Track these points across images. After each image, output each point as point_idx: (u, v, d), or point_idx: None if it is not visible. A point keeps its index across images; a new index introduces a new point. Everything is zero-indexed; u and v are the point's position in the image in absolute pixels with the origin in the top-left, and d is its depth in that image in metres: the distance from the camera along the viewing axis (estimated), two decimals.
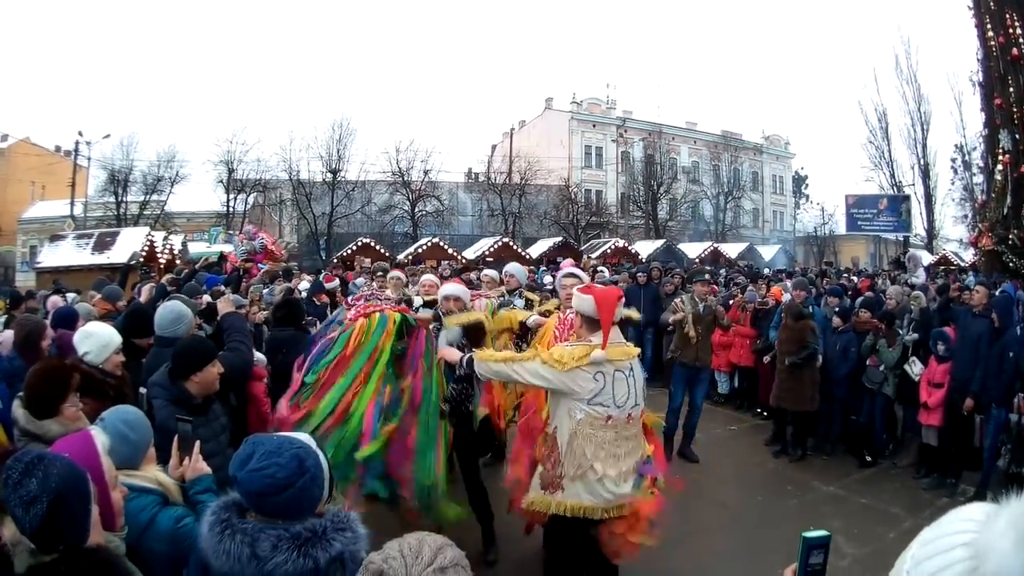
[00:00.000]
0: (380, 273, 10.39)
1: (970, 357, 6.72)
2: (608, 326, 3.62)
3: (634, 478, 3.70)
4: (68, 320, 5.82)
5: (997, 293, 8.72)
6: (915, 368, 7.27)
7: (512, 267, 7.44)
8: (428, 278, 7.65)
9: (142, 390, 3.35)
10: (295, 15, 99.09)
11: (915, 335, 7.55)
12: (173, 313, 4.40)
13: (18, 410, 2.90)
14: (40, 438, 2.76)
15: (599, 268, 16.45)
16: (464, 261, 25.62)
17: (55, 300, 8.43)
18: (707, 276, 8.51)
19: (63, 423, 2.83)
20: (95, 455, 2.06)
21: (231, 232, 32.73)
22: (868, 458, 7.55)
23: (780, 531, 5.43)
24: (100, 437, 2.15)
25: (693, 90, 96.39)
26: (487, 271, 9.28)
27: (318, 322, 7.83)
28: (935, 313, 8.15)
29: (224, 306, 4.81)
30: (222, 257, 19.08)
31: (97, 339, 3.85)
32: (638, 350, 3.88)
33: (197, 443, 2.74)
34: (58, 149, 39.15)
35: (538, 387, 3.88)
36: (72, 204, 31.24)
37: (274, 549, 1.82)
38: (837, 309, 8.04)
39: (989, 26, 11.26)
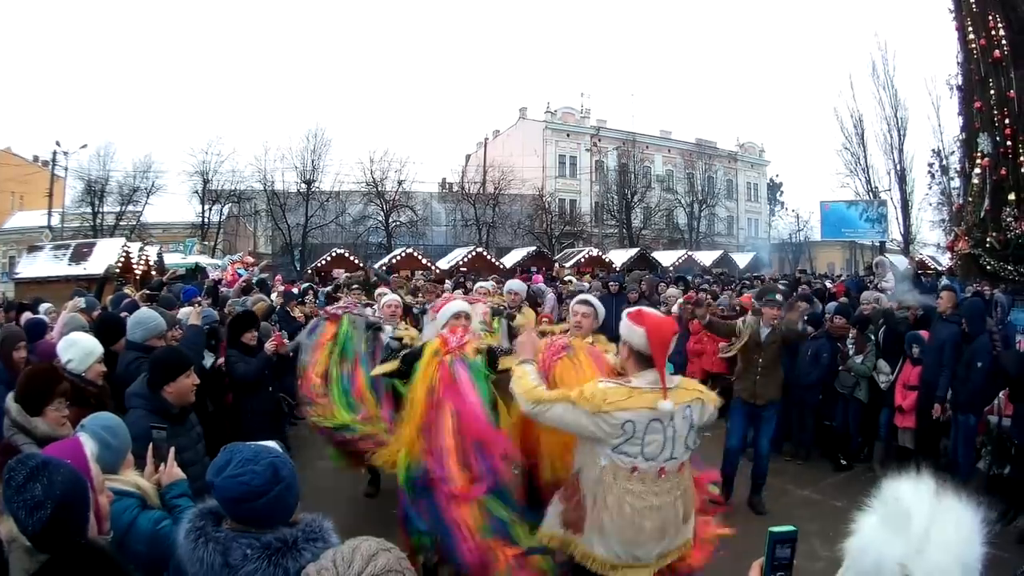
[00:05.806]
0: (355, 287, 10.37)
1: (936, 361, 6.77)
2: (663, 367, 3.07)
3: (665, 540, 3.20)
4: (36, 331, 5.86)
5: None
6: (881, 376, 7.39)
7: (515, 284, 7.86)
8: (391, 298, 7.36)
9: None
10: (271, 26, 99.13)
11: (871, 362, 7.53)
12: (135, 318, 4.81)
13: (11, 403, 3.09)
14: (29, 432, 3.00)
15: (570, 277, 16.51)
16: (438, 271, 25.61)
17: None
18: (778, 296, 7.06)
19: (50, 425, 3.01)
20: (84, 461, 2.13)
21: (206, 243, 32.58)
22: (843, 462, 7.61)
23: (754, 534, 5.43)
24: (88, 444, 2.24)
25: (667, 98, 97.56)
26: (481, 283, 9.34)
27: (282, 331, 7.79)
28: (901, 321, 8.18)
29: (192, 318, 5.08)
30: (198, 268, 18.94)
31: (81, 347, 3.99)
32: (697, 394, 3.24)
33: (172, 449, 2.84)
34: (36, 159, 38.79)
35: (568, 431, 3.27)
36: (49, 215, 30.85)
37: (245, 558, 1.85)
38: (807, 316, 8.10)
39: (971, 28, 11.34)
